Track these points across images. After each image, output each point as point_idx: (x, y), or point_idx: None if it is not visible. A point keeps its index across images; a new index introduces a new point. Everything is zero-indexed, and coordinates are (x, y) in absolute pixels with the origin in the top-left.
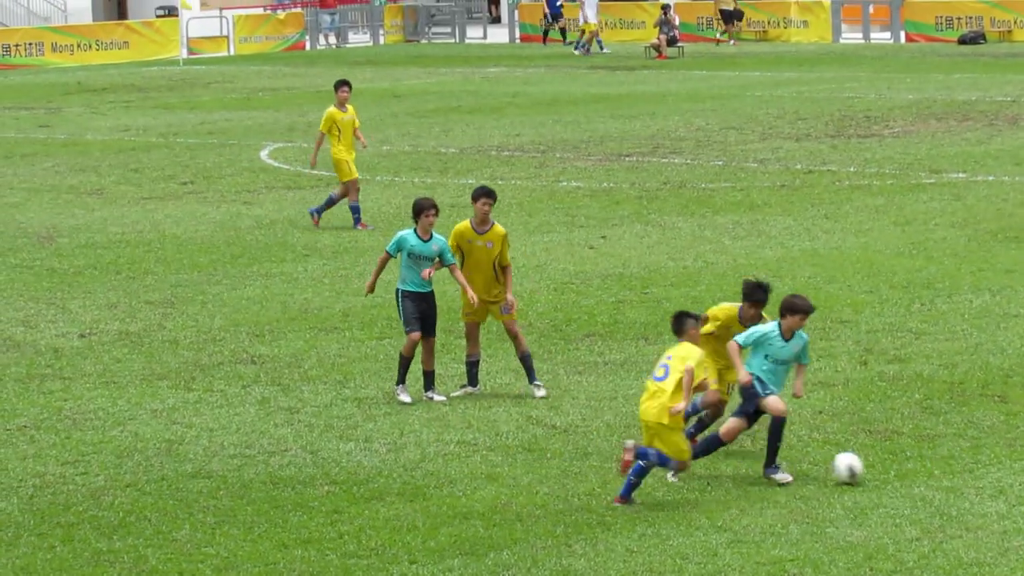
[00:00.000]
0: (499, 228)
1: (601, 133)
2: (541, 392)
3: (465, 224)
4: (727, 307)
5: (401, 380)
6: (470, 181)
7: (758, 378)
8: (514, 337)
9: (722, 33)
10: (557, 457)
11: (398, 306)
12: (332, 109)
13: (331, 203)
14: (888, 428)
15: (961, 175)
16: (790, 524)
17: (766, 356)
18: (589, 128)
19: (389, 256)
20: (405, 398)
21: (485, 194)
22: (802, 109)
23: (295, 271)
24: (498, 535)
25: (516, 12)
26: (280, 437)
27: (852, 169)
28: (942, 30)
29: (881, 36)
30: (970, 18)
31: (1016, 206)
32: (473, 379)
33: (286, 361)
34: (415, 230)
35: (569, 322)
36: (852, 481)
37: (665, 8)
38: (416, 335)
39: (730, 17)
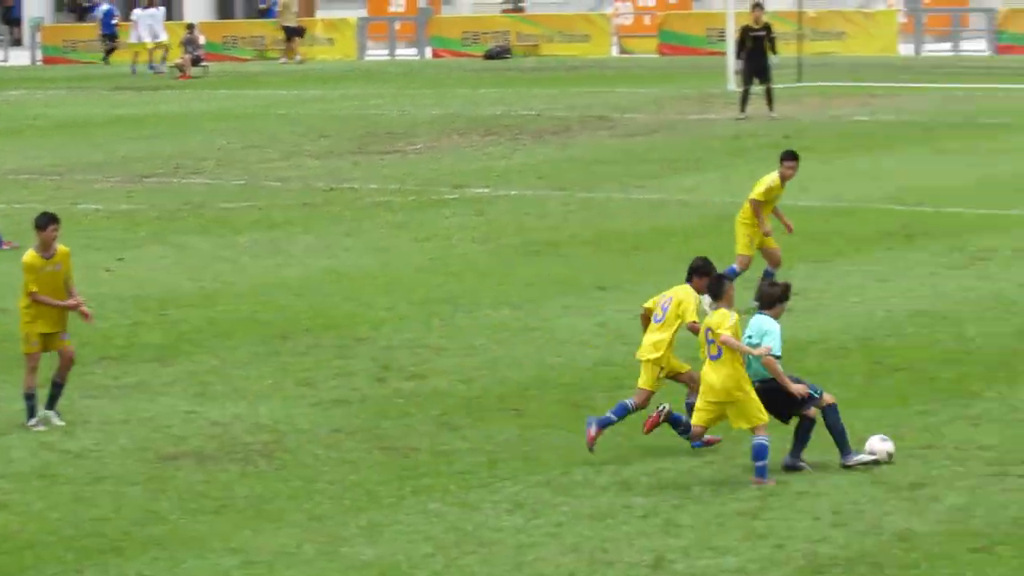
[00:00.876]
0: (63, 248)
1: (123, 154)
2: (58, 422)
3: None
4: (687, 290)
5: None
6: None
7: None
8: (69, 361)
9: (284, 52)
10: (70, 483)
11: None
12: None
13: None
14: (405, 445)
15: (484, 190)
16: (304, 544)
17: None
18: (110, 150)
19: None
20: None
21: (53, 220)
22: (326, 127)
23: None
24: (8, 563)
25: (38, 34)
26: None
27: (374, 186)
28: (468, 45)
29: (408, 52)
30: (496, 33)
31: (537, 219)
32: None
33: None
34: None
35: (83, 345)
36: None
37: (190, 27)
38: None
39: (292, 34)
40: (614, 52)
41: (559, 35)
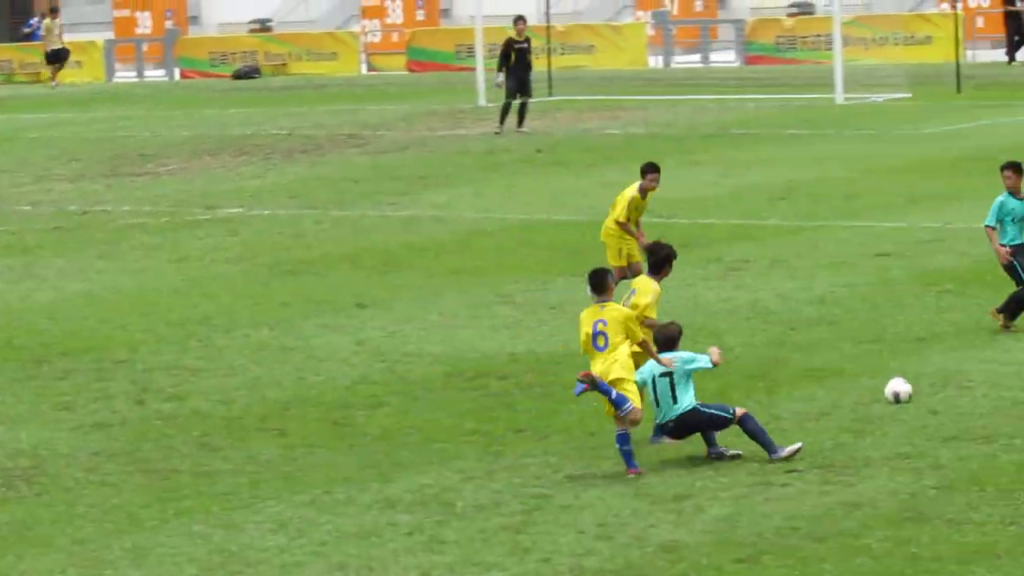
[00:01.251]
0: None
1: None
2: None
3: None
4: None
5: None
6: None
7: None
8: None
9: (53, 75)
10: None
11: None
12: None
13: None
14: (166, 467)
15: (237, 210)
16: (68, 568)
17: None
18: None
19: None
20: None
21: None
22: (77, 150)
23: None
24: None
25: None
26: None
27: (127, 208)
28: (216, 65)
29: (156, 74)
30: (244, 53)
31: (291, 239)
32: None
33: None
34: None
35: None
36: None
37: None
38: None
39: (56, 57)
40: (363, 70)
41: (307, 54)
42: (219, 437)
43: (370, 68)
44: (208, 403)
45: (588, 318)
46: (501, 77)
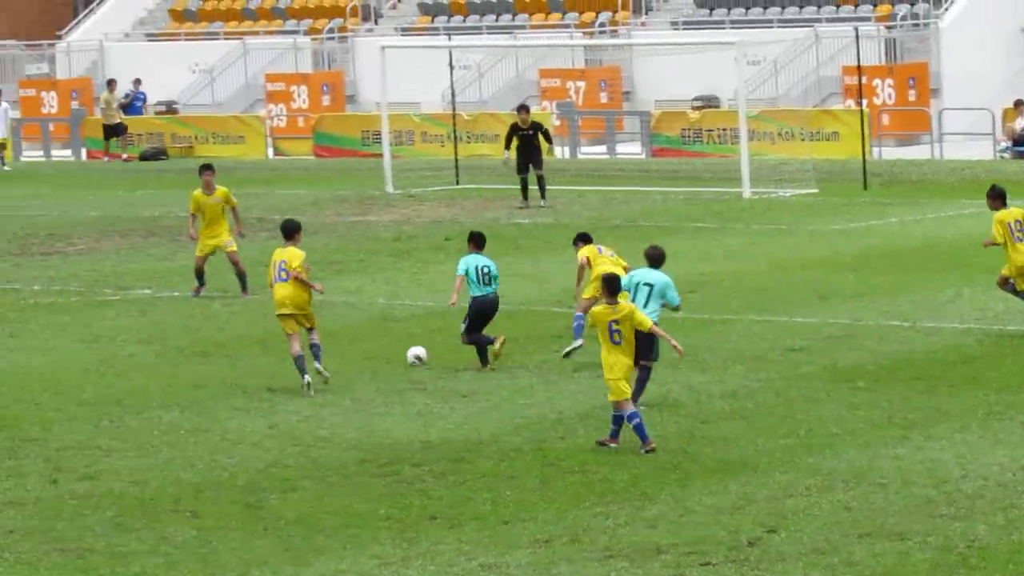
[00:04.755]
0: None
1: None
2: None
3: None
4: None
5: None
6: None
7: None
8: None
9: (116, 147)
10: None
11: None
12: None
13: None
14: (81, 546)
15: (147, 291)
16: None
17: None
18: None
19: None
20: None
21: None
22: None
23: None
24: None
25: None
26: None
27: (37, 287)
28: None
29: (63, 153)
30: (151, 134)
31: (201, 321)
32: None
33: None
34: None
35: None
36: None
37: None
38: None
39: (113, 133)
40: (270, 154)
41: (213, 136)
42: (133, 517)
43: (276, 152)
44: (121, 483)
45: (603, 318)
46: (507, 155)
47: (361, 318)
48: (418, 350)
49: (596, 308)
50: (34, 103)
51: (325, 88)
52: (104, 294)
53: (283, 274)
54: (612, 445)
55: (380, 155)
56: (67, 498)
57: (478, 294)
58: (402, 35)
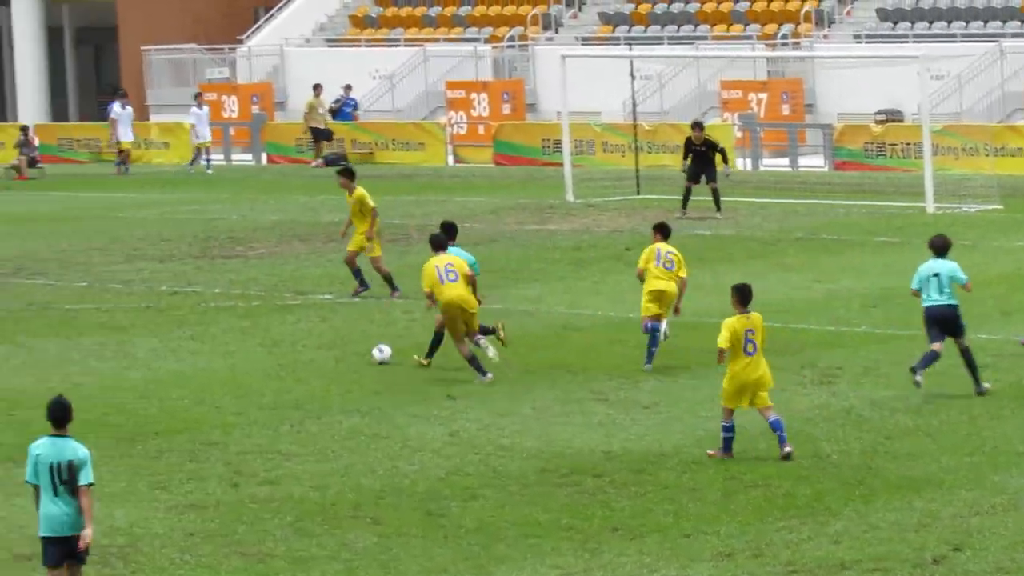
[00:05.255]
0: None
1: None
2: None
3: None
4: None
5: None
6: None
7: None
8: None
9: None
10: None
11: None
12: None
13: None
14: (261, 551)
15: (327, 296)
16: None
17: None
18: None
19: None
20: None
21: None
22: (166, 230)
23: None
24: None
25: None
26: None
27: (217, 290)
28: (303, 152)
29: (243, 158)
30: (332, 140)
31: (382, 327)
32: None
33: None
34: None
35: None
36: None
37: (24, 129)
38: None
39: (320, 136)
40: (450, 161)
41: (393, 143)
42: (313, 523)
43: (456, 159)
44: (302, 488)
45: (739, 326)
46: (685, 164)
47: (541, 327)
48: (383, 352)
49: (731, 319)
50: (215, 107)
51: (505, 96)
52: (284, 299)
53: (451, 275)
54: (787, 450)
55: (560, 164)
56: (247, 502)
57: None
58: (582, 44)
